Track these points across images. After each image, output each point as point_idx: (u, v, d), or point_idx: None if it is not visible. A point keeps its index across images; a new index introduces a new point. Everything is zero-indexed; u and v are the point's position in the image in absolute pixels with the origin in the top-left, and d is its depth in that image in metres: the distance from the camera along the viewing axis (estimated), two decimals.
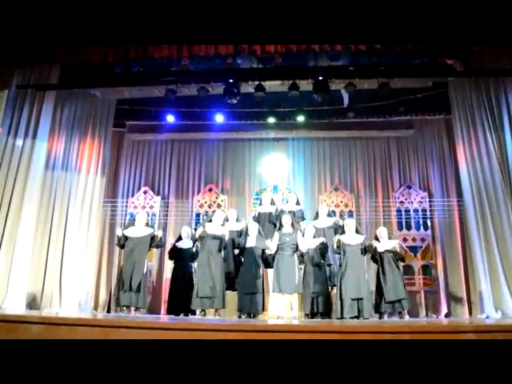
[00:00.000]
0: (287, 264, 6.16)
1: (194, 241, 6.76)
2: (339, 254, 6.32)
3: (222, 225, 6.55)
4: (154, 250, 7.84)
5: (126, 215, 8.79)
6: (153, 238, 6.74)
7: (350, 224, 6.51)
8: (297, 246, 6.30)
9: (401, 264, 6.55)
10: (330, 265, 6.75)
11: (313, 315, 6.18)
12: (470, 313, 7.65)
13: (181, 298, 6.56)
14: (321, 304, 6.16)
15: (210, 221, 6.53)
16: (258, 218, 7.36)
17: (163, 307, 8.18)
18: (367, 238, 6.69)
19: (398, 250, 6.38)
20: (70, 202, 7.53)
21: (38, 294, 6.94)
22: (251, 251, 6.38)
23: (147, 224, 6.94)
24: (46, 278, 7.06)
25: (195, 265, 6.67)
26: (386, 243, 6.45)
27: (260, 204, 7.68)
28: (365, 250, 6.32)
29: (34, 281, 6.85)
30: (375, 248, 6.36)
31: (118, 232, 6.80)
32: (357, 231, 6.47)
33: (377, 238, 6.55)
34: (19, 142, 7.02)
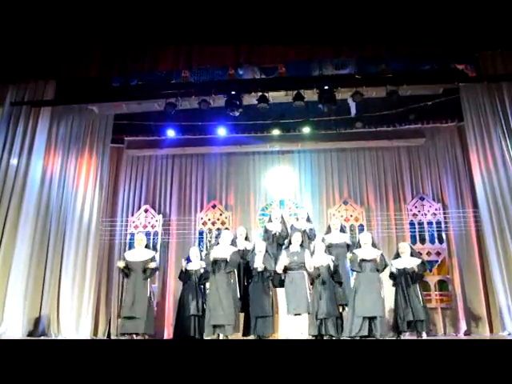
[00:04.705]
0: (297, 283, 6.01)
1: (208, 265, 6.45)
2: (359, 271, 5.98)
3: (231, 244, 6.33)
4: (157, 272, 7.49)
5: (125, 235, 8.53)
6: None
7: (366, 238, 6.27)
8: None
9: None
10: (341, 283, 6.42)
11: (321, 337, 5.87)
12: (491, 330, 7.37)
13: (189, 321, 6.27)
14: (329, 326, 5.85)
15: (218, 243, 6.35)
16: (266, 235, 7.06)
17: (166, 331, 7.87)
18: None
19: (416, 271, 6.06)
20: (67, 222, 7.36)
21: (35, 319, 6.72)
22: (259, 271, 6.15)
23: (147, 246, 6.73)
24: (42, 302, 6.85)
25: (207, 289, 6.46)
26: (406, 260, 6.15)
27: (269, 220, 7.38)
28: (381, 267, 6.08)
29: (30, 306, 6.65)
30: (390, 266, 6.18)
31: (120, 264, 6.48)
32: (373, 245, 6.23)
33: (398, 254, 6.27)
34: (14, 160, 6.94)
